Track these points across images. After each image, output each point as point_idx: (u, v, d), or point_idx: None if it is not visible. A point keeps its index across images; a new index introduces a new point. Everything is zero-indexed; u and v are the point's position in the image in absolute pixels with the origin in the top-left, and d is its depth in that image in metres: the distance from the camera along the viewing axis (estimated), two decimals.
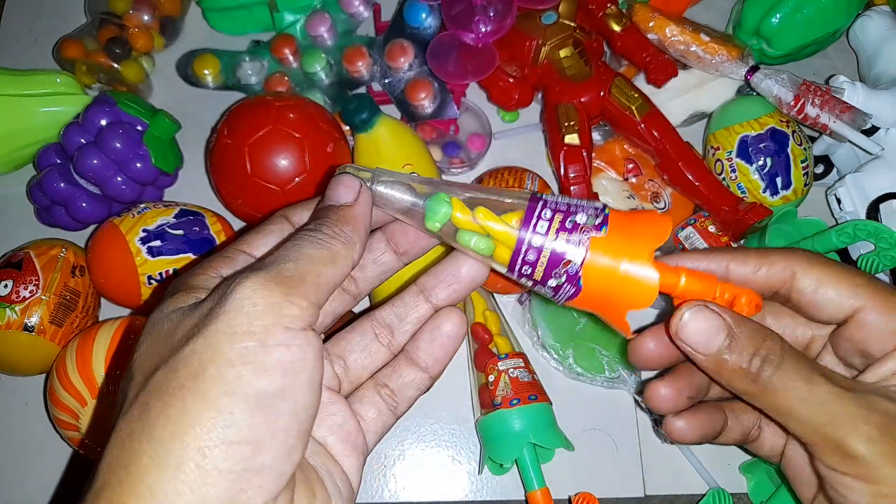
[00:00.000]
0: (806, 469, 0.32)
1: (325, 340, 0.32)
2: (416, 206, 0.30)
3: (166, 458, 0.21)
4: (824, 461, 0.27)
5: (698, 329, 0.28)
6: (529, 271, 0.29)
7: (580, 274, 0.29)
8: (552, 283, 0.29)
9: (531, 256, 0.29)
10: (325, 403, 0.29)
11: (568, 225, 0.29)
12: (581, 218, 0.29)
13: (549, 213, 0.29)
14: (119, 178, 0.58)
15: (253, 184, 0.55)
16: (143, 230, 0.55)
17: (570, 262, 0.29)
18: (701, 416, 0.33)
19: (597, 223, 0.29)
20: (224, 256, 0.27)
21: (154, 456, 0.21)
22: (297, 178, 0.55)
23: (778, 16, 0.62)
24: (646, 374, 0.57)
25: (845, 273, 0.30)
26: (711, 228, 0.58)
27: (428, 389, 0.32)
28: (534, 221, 0.29)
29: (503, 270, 0.30)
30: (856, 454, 0.26)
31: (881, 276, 0.57)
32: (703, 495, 0.53)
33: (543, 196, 0.30)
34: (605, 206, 0.30)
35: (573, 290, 0.29)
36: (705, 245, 0.57)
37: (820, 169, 0.64)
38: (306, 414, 0.23)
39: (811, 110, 0.58)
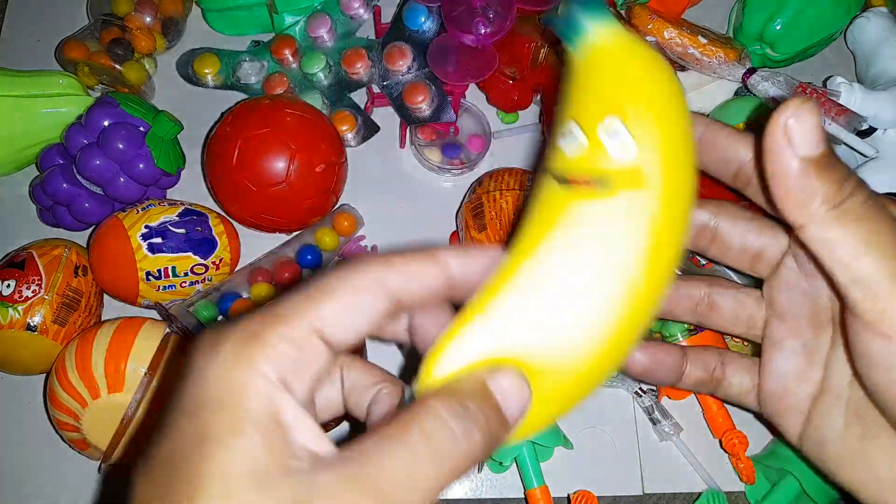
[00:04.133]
0: (789, 396, 0.29)
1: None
2: None
3: None
4: (883, 319, 0.23)
5: (808, 127, 0.23)
6: None
7: None
8: None
9: None
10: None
11: None
12: None
13: None
14: (121, 179, 0.58)
15: (233, 177, 0.56)
16: (146, 226, 0.56)
17: None
18: (658, 349, 0.31)
19: None
20: (292, 341, 0.21)
21: None
22: (276, 186, 0.55)
23: (780, 21, 0.62)
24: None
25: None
26: None
27: None
28: None
29: None
30: None
31: None
32: (701, 494, 0.54)
33: None
34: None
35: None
36: None
37: None
38: None
39: None
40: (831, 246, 0.24)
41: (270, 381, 0.20)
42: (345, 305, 0.22)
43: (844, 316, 0.25)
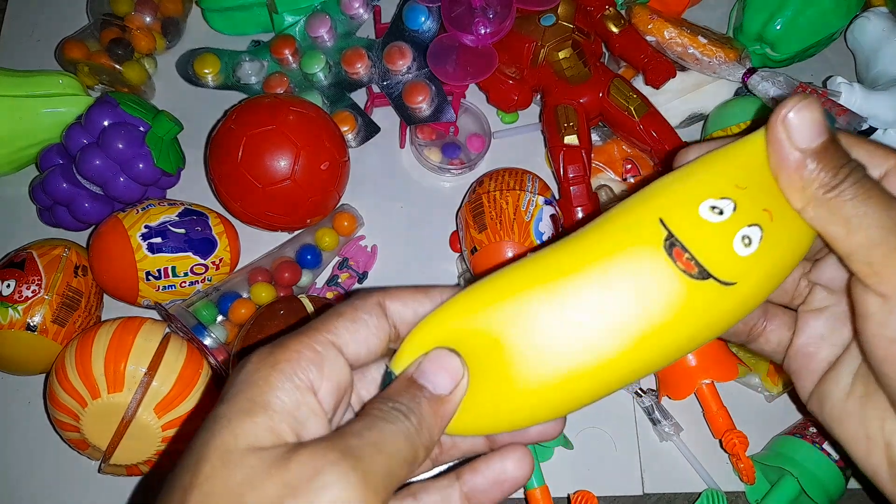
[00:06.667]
0: (812, 356, 0.31)
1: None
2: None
3: None
4: (880, 281, 0.25)
5: (807, 121, 0.26)
6: None
7: None
8: None
9: None
10: None
11: None
12: None
13: None
14: (121, 179, 0.58)
15: (238, 174, 0.56)
16: (146, 226, 0.56)
17: None
18: None
19: None
20: (312, 348, 0.25)
21: None
22: (281, 183, 0.55)
23: (780, 21, 0.62)
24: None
25: (873, 142, 0.29)
26: None
27: None
28: None
29: None
30: None
31: None
32: (700, 494, 0.54)
33: None
34: None
35: None
36: None
37: None
38: None
39: None
40: (826, 224, 0.26)
41: (290, 377, 0.24)
42: (353, 321, 0.26)
43: (850, 282, 0.28)
